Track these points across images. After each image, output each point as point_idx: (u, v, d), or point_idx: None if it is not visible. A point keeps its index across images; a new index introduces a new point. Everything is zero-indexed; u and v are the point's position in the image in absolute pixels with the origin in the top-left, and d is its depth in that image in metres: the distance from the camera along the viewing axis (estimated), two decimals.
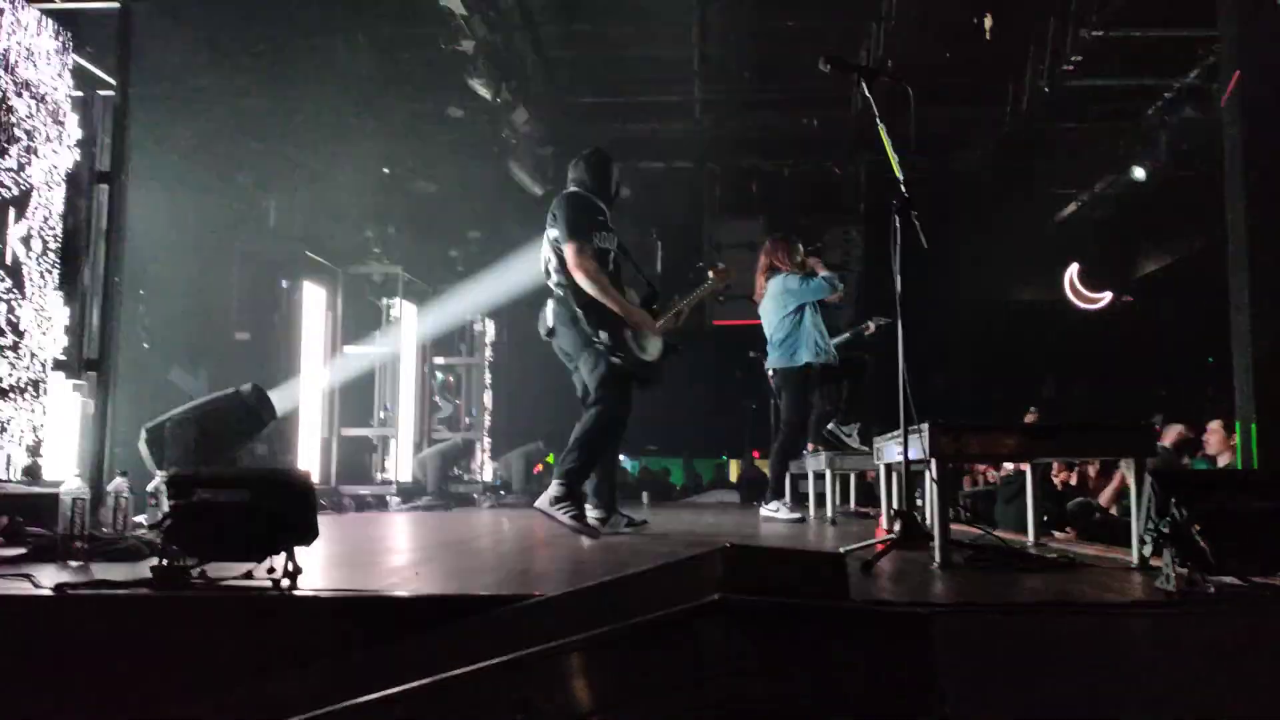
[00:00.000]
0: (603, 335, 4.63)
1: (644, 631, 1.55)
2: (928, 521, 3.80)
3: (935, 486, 3.50)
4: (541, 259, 4.94)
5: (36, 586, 2.69)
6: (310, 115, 8.32)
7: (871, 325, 7.72)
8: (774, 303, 6.89)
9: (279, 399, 6.39)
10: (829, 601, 1.81)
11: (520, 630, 2.14)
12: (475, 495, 10.39)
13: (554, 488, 4.60)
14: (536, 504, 4.62)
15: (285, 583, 2.73)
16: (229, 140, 7.39)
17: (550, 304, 4.88)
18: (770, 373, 7.00)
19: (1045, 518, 6.16)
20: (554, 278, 4.83)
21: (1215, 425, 6.48)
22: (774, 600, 1.55)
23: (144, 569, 2.80)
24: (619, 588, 2.20)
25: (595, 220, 4.82)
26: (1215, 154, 6.16)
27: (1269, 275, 5.53)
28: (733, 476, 16.63)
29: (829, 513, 6.67)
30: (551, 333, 4.92)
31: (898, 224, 3.59)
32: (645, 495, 13.26)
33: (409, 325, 11.15)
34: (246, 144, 7.81)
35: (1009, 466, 7.61)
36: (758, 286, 7.09)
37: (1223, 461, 6.45)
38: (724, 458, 17.66)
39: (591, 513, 5.03)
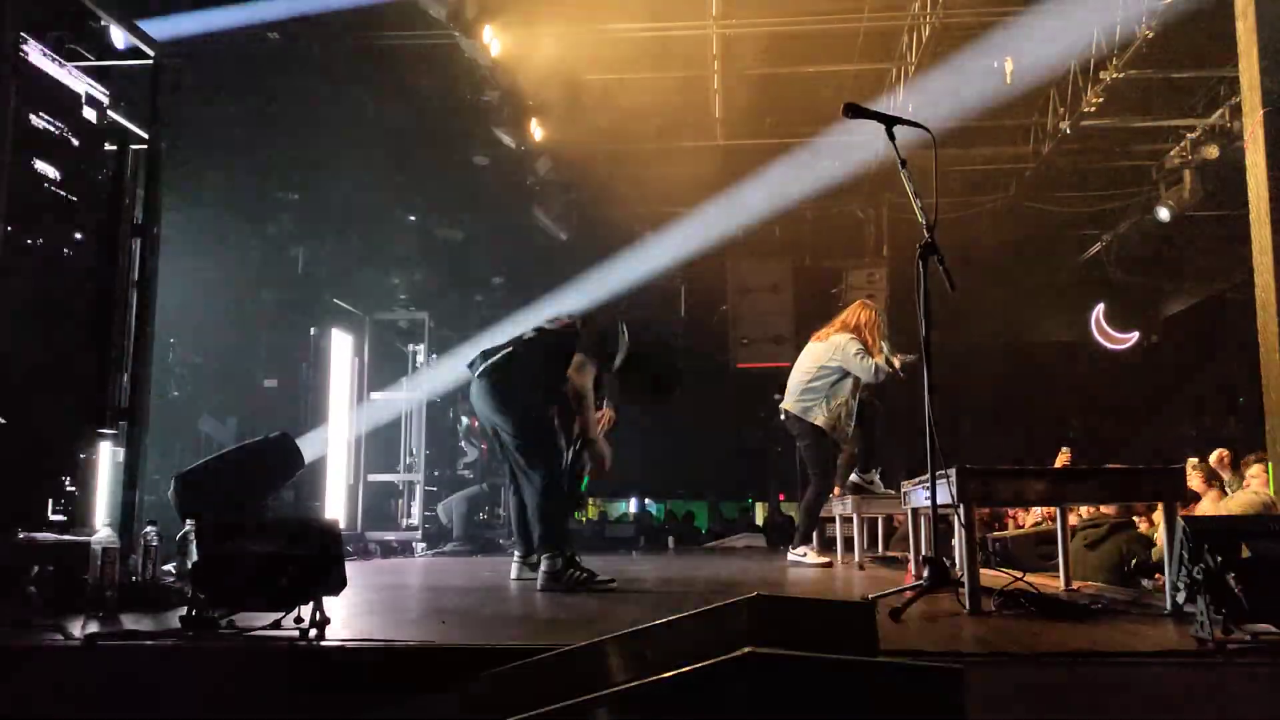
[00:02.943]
0: (561, 441, 4.90)
1: (672, 685, 1.54)
2: (957, 566, 3.76)
3: (964, 531, 3.48)
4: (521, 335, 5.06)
5: (67, 638, 2.71)
6: (337, 165, 8.44)
7: (896, 362, 7.56)
8: (824, 351, 6.78)
9: (307, 446, 6.43)
10: (859, 656, 1.79)
11: (547, 682, 2.13)
12: (501, 540, 10.36)
13: (546, 564, 4.64)
14: (540, 587, 4.63)
15: (313, 632, 2.74)
16: (258, 190, 7.51)
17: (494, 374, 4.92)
18: (783, 413, 6.91)
19: (1135, 562, 6.05)
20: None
21: (1257, 470, 6.30)
22: (803, 655, 1.54)
23: (173, 618, 2.81)
24: (646, 638, 2.19)
25: (607, 356, 4.97)
26: (1240, 193, 6.14)
27: None
28: (758, 519, 16.53)
29: (857, 557, 6.62)
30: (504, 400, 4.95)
31: (922, 269, 3.59)
32: (671, 539, 13.19)
33: (435, 371, 11.19)
34: (275, 194, 7.93)
35: (1084, 510, 7.39)
36: (825, 331, 6.95)
37: None
38: (749, 500, 17.58)
39: (522, 559, 5.13)
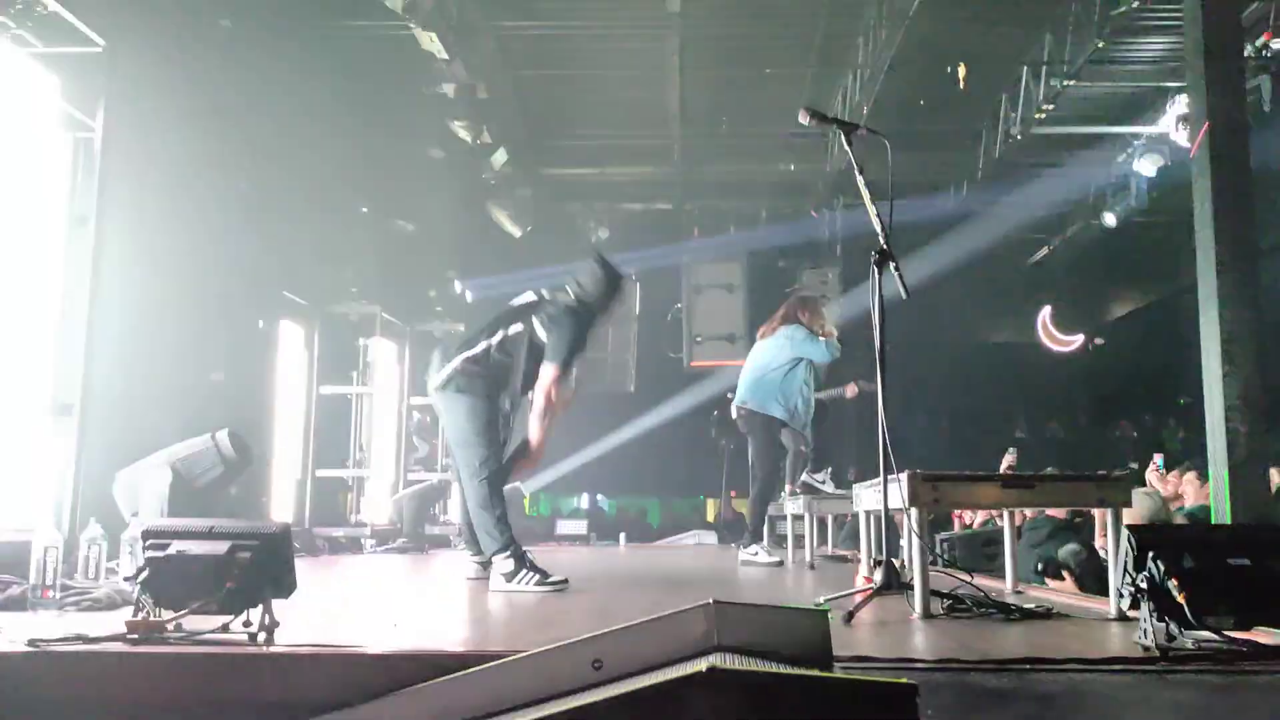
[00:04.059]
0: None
1: (631, 703, 1.54)
2: (907, 567, 3.80)
3: (914, 536, 3.52)
4: (500, 323, 4.85)
5: (10, 641, 2.65)
6: (289, 156, 8.32)
7: (854, 388, 7.67)
8: (773, 345, 6.83)
9: (254, 441, 6.34)
10: (814, 663, 1.81)
11: (500, 689, 2.12)
12: (451, 537, 10.30)
13: (501, 564, 4.54)
14: (492, 588, 4.54)
15: (262, 637, 2.70)
16: (206, 181, 7.37)
17: (460, 358, 4.75)
18: (736, 411, 6.95)
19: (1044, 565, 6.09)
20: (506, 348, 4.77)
21: (1190, 476, 6.43)
22: (764, 672, 1.55)
23: (118, 621, 2.75)
24: (600, 644, 2.19)
25: (584, 343, 4.82)
26: (1184, 201, 6.26)
27: (1238, 323, 5.60)
28: (710, 516, 16.59)
29: (808, 556, 6.67)
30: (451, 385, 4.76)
31: (877, 275, 3.62)
32: (623, 535, 13.19)
33: (386, 365, 11.09)
34: (224, 185, 7.79)
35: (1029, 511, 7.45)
36: (766, 329, 7.01)
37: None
38: (701, 498, 17.62)
39: (475, 558, 5.02)
